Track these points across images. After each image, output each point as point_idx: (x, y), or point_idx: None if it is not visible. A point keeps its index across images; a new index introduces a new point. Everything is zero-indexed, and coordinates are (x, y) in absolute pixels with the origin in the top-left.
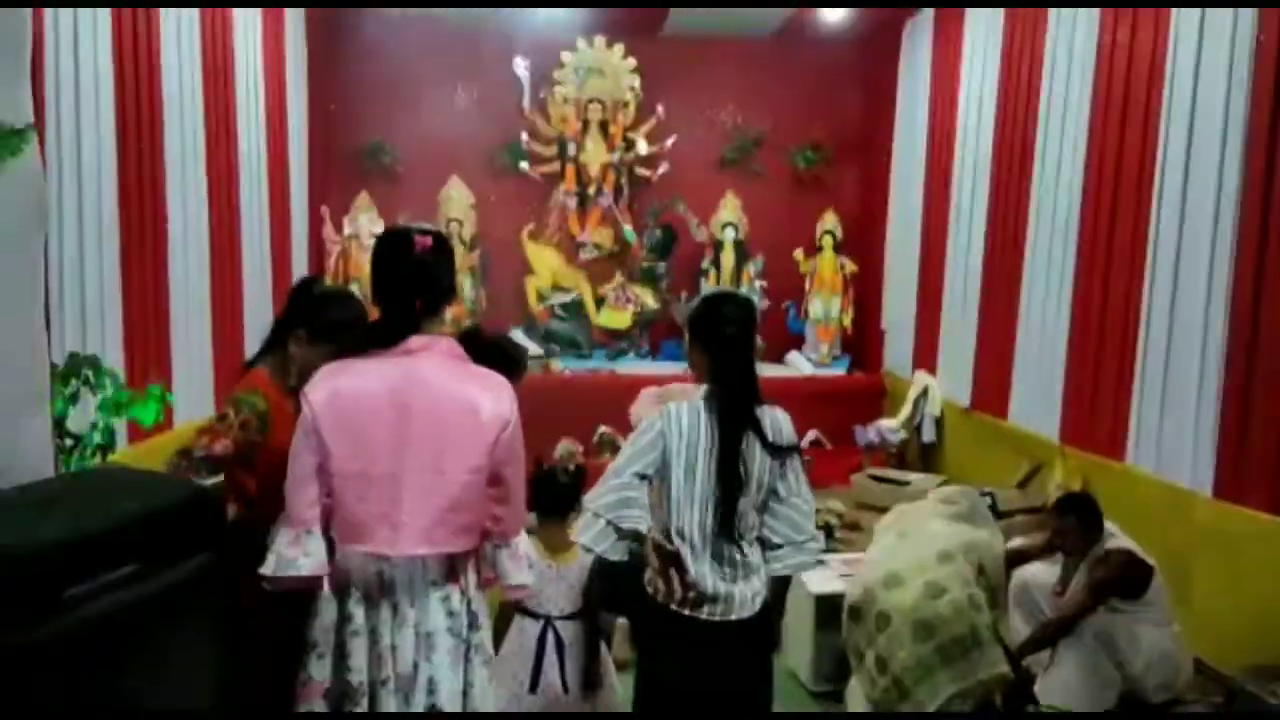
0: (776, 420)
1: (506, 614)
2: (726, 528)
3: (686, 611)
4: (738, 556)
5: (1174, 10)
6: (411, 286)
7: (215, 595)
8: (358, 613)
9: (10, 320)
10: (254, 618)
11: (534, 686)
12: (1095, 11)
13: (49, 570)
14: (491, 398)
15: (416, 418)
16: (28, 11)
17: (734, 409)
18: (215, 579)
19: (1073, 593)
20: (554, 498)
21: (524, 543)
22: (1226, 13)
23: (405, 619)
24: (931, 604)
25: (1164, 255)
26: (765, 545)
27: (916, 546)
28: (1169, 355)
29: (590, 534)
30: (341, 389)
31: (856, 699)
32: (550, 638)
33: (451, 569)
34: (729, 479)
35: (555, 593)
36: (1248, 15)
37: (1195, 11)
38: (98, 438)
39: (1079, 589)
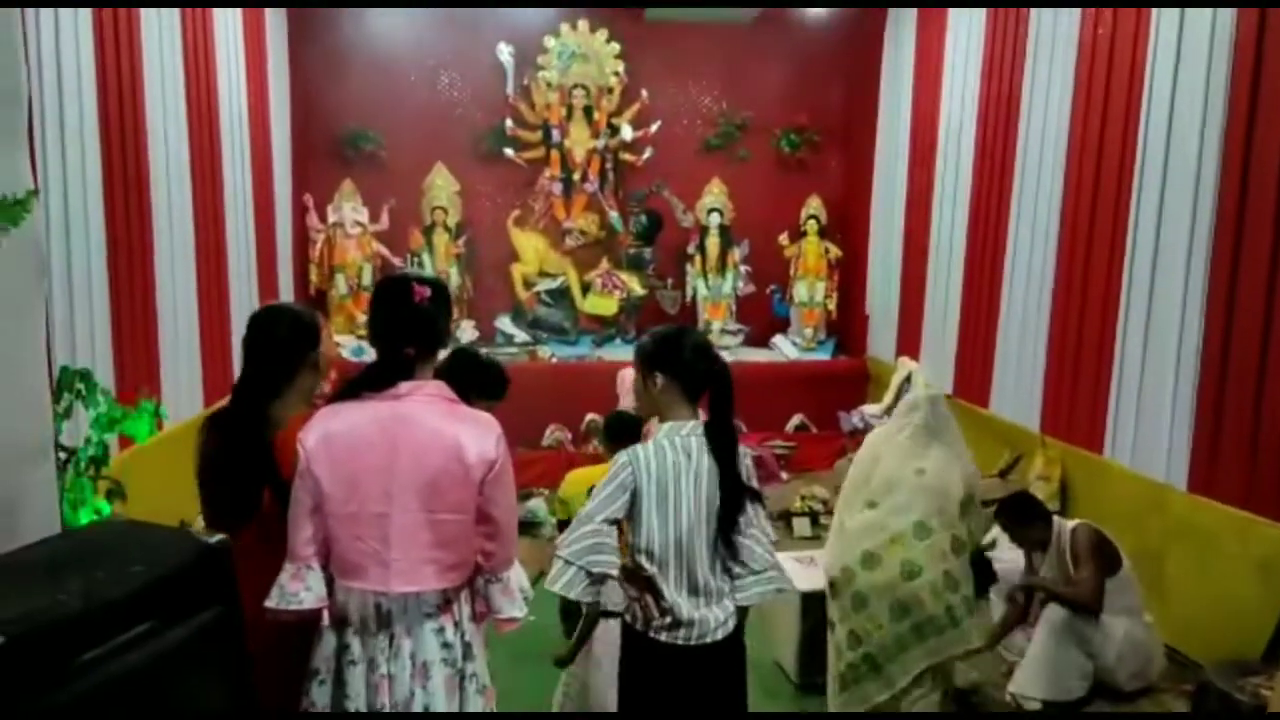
0: (744, 458)
1: (591, 619)
2: (727, 546)
3: (663, 637)
4: (711, 583)
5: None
6: (408, 335)
7: (226, 646)
8: (355, 643)
9: (17, 380)
10: (265, 649)
11: None
12: None
13: (66, 638)
14: (478, 439)
15: (404, 459)
16: (22, 73)
17: (728, 441)
18: (226, 630)
19: (1082, 581)
20: None
21: (515, 576)
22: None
23: (401, 649)
24: (907, 585)
25: (1142, 252)
26: (729, 575)
27: (891, 517)
28: (1145, 352)
29: (563, 580)
30: (333, 432)
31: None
32: None
33: (446, 601)
34: (730, 504)
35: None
36: (1227, 12)
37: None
38: (91, 451)
39: (1085, 579)
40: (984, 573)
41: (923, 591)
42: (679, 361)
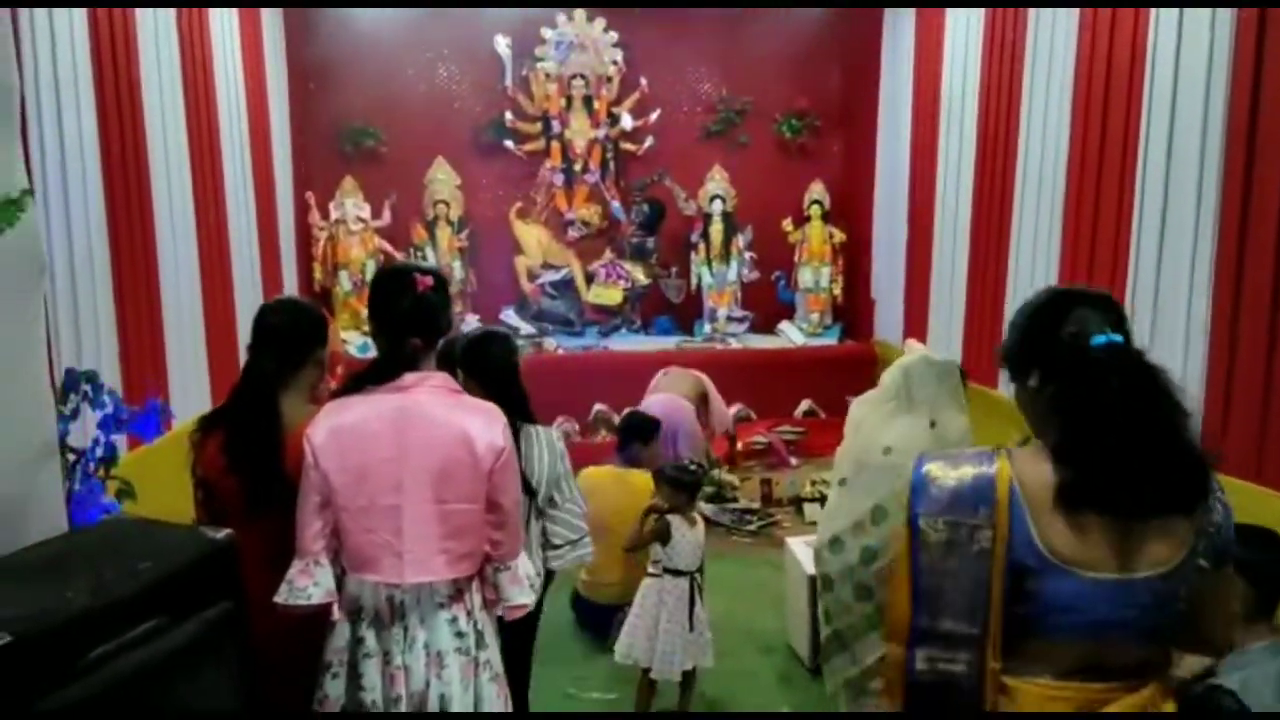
0: (551, 438)
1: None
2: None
3: None
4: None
5: None
6: (413, 326)
7: (233, 641)
8: (369, 635)
9: (18, 378)
10: (273, 643)
11: (692, 626)
12: None
13: (75, 635)
14: (485, 428)
15: (414, 451)
16: (13, 73)
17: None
18: (233, 626)
19: None
20: (689, 485)
21: (523, 565)
22: None
23: (416, 640)
24: (865, 570)
25: (1148, 229)
26: (546, 546)
27: (856, 499)
28: (1154, 329)
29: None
30: (340, 426)
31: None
32: (695, 587)
33: (458, 591)
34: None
35: (692, 554)
36: None
37: None
38: (100, 451)
39: None
40: None
41: (881, 574)
42: (482, 365)
